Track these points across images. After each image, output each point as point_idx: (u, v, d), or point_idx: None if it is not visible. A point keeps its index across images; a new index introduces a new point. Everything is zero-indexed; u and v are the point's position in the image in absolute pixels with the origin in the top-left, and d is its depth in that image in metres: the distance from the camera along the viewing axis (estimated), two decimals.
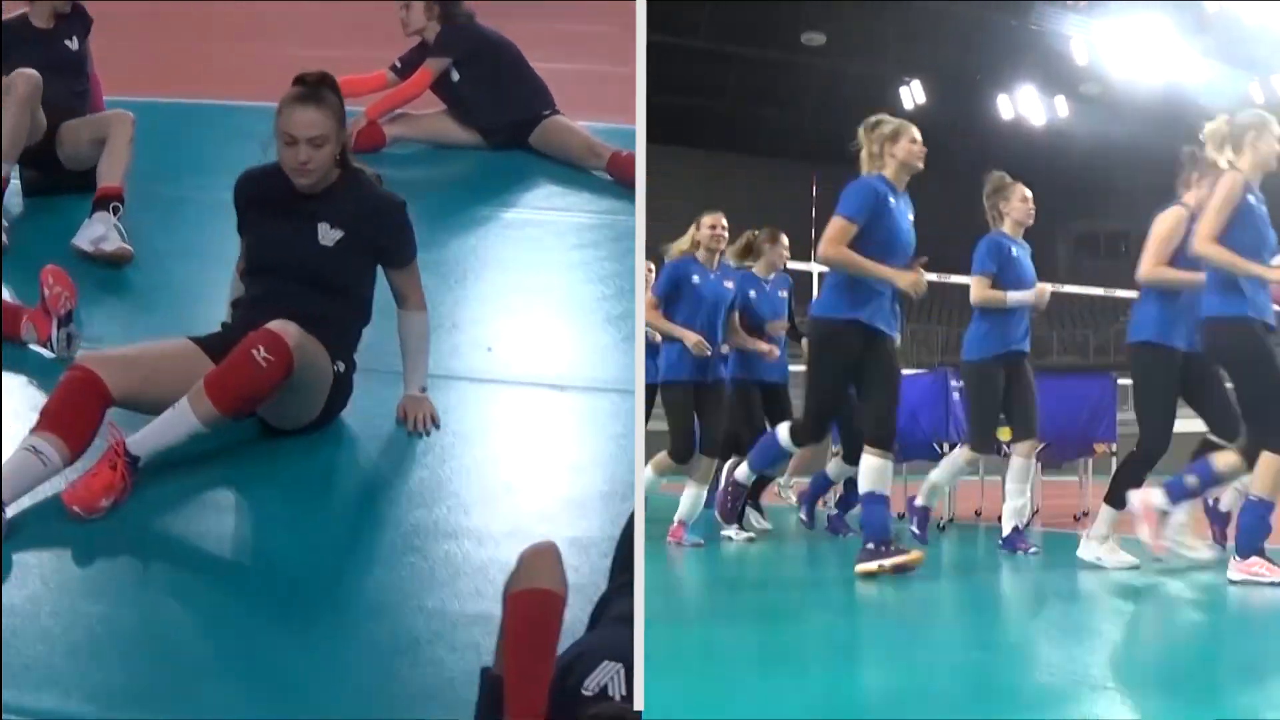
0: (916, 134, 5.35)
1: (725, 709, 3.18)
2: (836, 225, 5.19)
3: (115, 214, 5.57)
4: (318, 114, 4.33)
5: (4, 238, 5.58)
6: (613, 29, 6.74)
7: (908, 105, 25.24)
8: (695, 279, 6.51)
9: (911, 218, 5.39)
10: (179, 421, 4.03)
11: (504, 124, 6.56)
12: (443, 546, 3.76)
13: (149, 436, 4.00)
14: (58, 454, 3.95)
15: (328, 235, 4.36)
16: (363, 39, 8.30)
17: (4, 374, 4.56)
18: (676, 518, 6.63)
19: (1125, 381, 7.87)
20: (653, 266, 7.51)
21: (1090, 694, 3.39)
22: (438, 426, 4.38)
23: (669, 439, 6.54)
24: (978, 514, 8.82)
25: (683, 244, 6.65)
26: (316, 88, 4.38)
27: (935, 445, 7.67)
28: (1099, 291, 14.64)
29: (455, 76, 6.63)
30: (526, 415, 4.50)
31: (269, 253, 4.40)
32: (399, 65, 6.79)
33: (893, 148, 5.29)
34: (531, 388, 4.62)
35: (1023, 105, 24.67)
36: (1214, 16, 20.79)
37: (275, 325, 4.06)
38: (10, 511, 3.87)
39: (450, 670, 3.25)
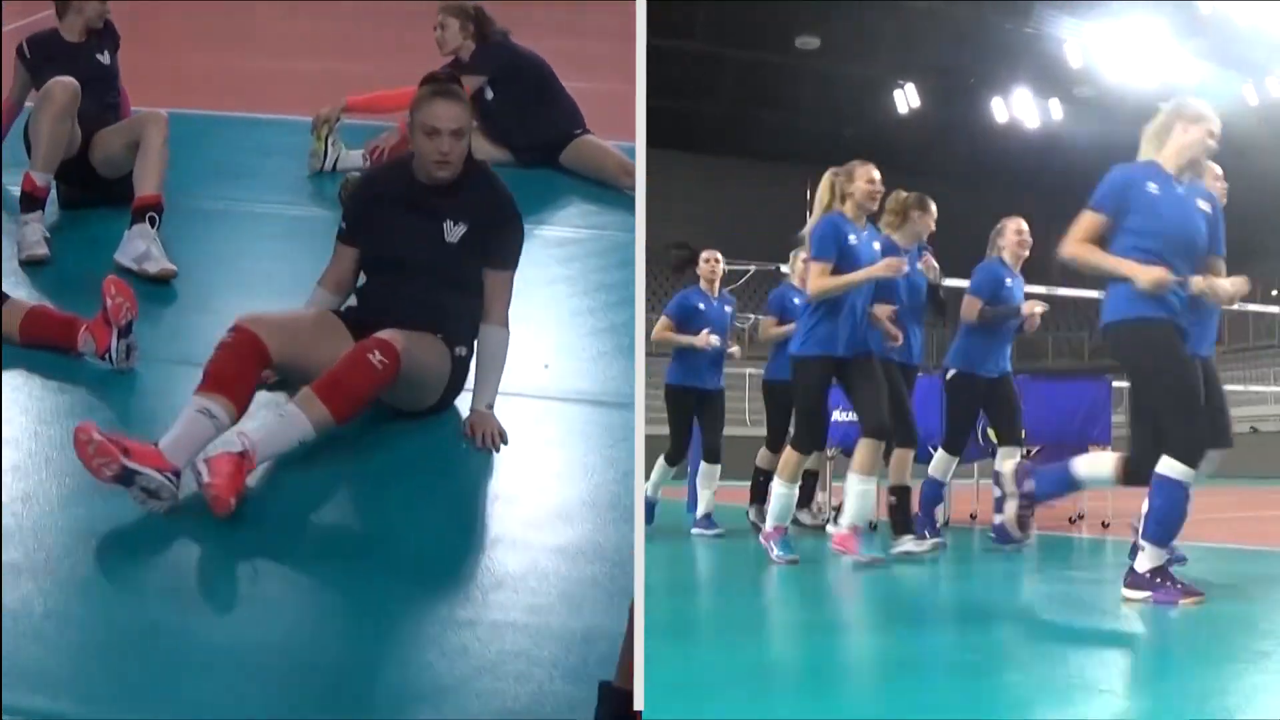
0: (1214, 124, 4.73)
1: None
2: (1079, 219, 4.76)
3: (154, 225, 5.69)
4: (457, 107, 4.55)
5: (48, 249, 5.81)
6: (607, 46, 6.97)
7: (902, 109, 25.49)
8: (852, 239, 5.82)
9: (1206, 207, 4.80)
10: (290, 428, 4.17)
11: (536, 142, 6.75)
12: (525, 561, 3.87)
13: (262, 443, 4.12)
14: (226, 415, 4.12)
15: (452, 232, 4.58)
16: (390, 53, 8.50)
17: (48, 382, 4.78)
18: (848, 522, 5.88)
19: (1120, 384, 8.16)
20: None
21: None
22: (505, 443, 4.48)
23: (795, 428, 6.04)
24: (973, 517, 9.10)
25: (824, 198, 5.92)
26: (448, 84, 4.61)
27: (930, 448, 7.75)
28: (1095, 294, 14.87)
29: (489, 95, 6.82)
30: (586, 431, 4.69)
31: (395, 248, 4.61)
32: None
33: (1184, 132, 4.73)
34: (588, 405, 4.81)
35: (1017, 108, 24.88)
36: (1208, 19, 20.98)
37: (385, 334, 4.30)
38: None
39: (555, 684, 3.31)
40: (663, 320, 7.67)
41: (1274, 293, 24.93)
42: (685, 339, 7.50)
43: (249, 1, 9.89)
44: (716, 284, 7.84)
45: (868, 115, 25.18)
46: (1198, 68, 22.22)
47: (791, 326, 7.36)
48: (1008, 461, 5.81)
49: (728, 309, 7.88)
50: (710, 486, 7.86)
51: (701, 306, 7.70)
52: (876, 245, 5.92)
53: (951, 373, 6.89)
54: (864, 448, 5.73)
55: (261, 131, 7.42)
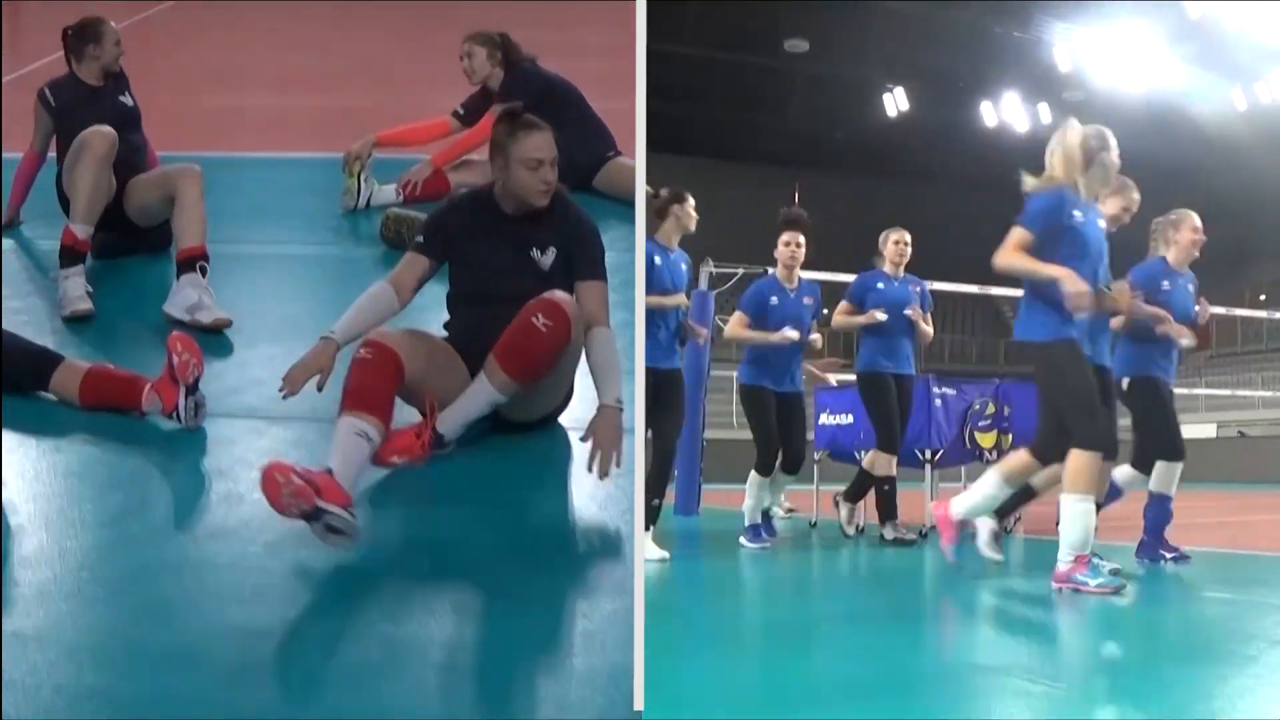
0: None
1: None
2: None
3: (204, 275, 5.54)
4: (549, 134, 4.64)
5: (91, 304, 5.61)
6: (598, 49, 6.92)
7: (891, 112, 25.60)
8: (1077, 215, 5.15)
9: None
10: (479, 394, 4.38)
11: (570, 167, 6.68)
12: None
13: (452, 413, 4.40)
14: (378, 435, 4.22)
15: (543, 259, 4.62)
16: (407, 85, 8.43)
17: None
18: (1073, 550, 5.05)
19: None
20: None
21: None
22: (619, 466, 4.23)
23: (1078, 426, 5.04)
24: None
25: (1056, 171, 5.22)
26: (528, 114, 4.67)
27: (917, 453, 7.87)
28: None
29: None
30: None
31: (492, 281, 4.62)
32: (461, 112, 6.92)
33: None
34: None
35: (1006, 112, 24.98)
36: (1197, 24, 21.10)
37: (551, 294, 4.40)
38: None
39: None
40: (736, 316, 7.25)
41: (1261, 297, 25.02)
42: (761, 336, 7.03)
43: (251, 4, 9.85)
44: (795, 271, 7.19)
45: (856, 118, 25.30)
46: (1186, 72, 22.33)
47: (870, 316, 7.30)
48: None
49: (807, 300, 7.22)
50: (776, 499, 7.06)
51: (775, 301, 7.15)
52: (1102, 224, 5.29)
53: (1126, 380, 6.20)
54: (1081, 460, 4.98)
55: (284, 171, 7.32)
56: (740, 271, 10.53)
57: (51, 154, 6.17)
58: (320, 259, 6.33)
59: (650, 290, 5.96)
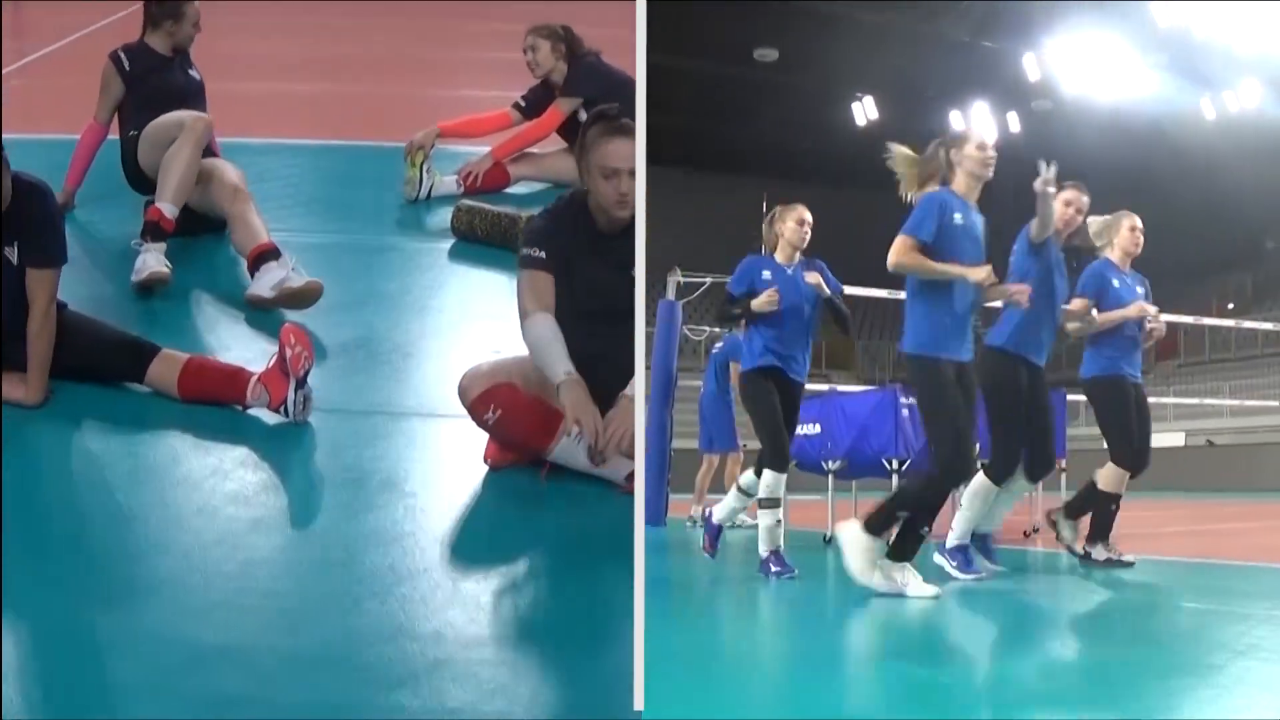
0: None
1: None
2: None
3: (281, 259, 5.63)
4: (631, 144, 4.23)
5: (168, 269, 5.66)
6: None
7: (860, 121, 25.68)
8: None
9: None
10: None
11: None
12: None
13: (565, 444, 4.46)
14: (572, 440, 4.41)
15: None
16: (454, 73, 8.42)
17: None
18: None
19: (1075, 398, 8.16)
20: None
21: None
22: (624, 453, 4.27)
23: None
24: None
25: None
26: (618, 119, 4.39)
27: (884, 463, 7.82)
28: None
29: (584, 116, 6.72)
30: None
31: (591, 299, 4.45)
32: (523, 104, 6.95)
33: None
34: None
35: (975, 121, 25.01)
36: (1166, 33, 21.24)
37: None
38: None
39: None
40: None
41: (1230, 306, 25.16)
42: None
43: None
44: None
45: (826, 127, 25.40)
46: (1155, 82, 22.45)
47: (1119, 313, 6.42)
48: None
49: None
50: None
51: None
52: None
53: None
54: None
55: (333, 159, 7.30)
56: (708, 281, 10.52)
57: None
58: (389, 249, 6.30)
59: (948, 258, 5.24)
